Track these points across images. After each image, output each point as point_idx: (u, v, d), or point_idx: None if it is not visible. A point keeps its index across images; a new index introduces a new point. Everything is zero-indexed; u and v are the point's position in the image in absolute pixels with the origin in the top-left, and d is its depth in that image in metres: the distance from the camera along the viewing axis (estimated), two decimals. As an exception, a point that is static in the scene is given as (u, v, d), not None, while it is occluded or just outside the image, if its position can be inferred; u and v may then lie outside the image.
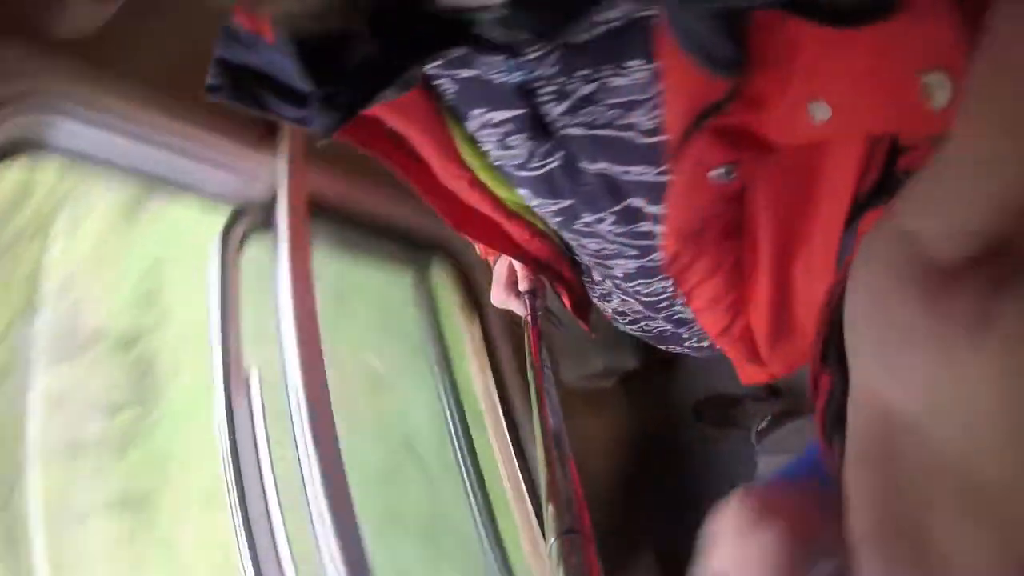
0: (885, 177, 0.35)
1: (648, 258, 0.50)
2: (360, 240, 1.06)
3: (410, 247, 1.17)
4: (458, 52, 0.33)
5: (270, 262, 0.70)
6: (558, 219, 0.50)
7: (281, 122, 0.73)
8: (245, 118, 0.73)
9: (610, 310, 0.73)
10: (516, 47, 0.34)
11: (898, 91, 0.25)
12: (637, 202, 0.43)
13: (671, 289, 0.54)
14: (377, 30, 0.31)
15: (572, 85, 0.36)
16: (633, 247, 0.49)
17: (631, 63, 0.33)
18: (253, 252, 0.76)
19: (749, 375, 0.67)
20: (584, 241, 0.52)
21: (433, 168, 0.47)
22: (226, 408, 0.64)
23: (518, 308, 0.68)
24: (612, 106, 0.36)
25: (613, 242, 0.50)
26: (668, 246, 0.44)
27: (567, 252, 0.61)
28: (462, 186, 0.49)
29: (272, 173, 0.71)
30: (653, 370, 1.62)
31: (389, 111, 0.42)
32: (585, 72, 0.35)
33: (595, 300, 0.76)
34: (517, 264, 0.68)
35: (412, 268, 1.20)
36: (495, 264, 0.74)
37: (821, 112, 0.29)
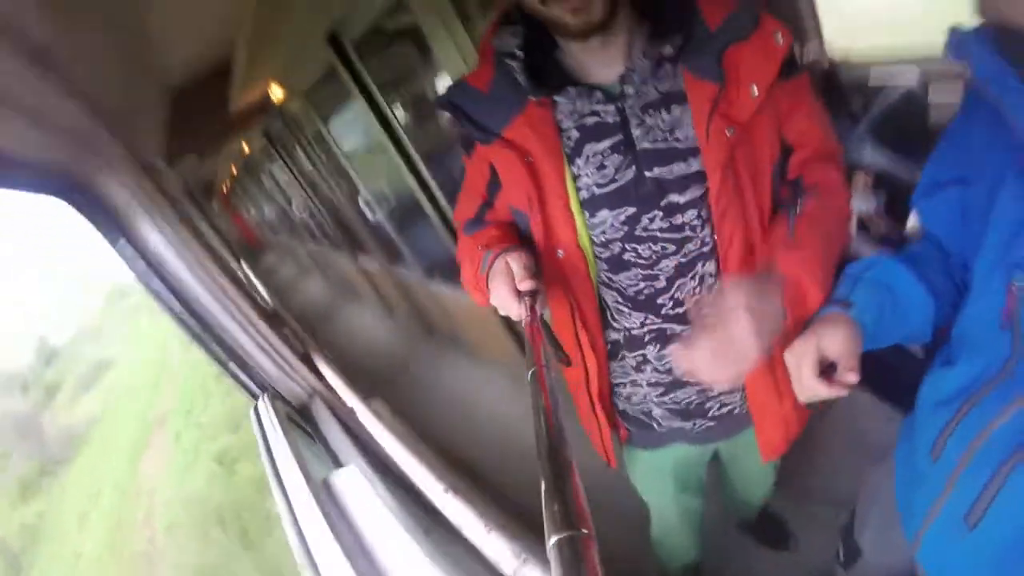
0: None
1: (682, 252, 0.76)
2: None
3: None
4: (599, 95, 0.71)
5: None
6: (624, 229, 0.75)
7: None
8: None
9: (644, 384, 0.88)
10: (623, 98, 0.70)
11: (771, 49, 0.66)
12: (674, 197, 0.72)
13: (706, 279, 0.77)
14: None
15: (646, 118, 0.70)
16: (672, 242, 0.75)
17: (673, 106, 0.70)
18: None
19: (770, 434, 0.89)
20: (640, 249, 0.76)
21: (544, 188, 0.74)
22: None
23: (517, 311, 0.68)
24: (663, 129, 0.70)
25: (659, 240, 0.75)
26: (713, 179, 0.69)
27: (601, 310, 0.84)
28: (559, 205, 0.75)
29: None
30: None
31: (537, 140, 0.72)
32: (652, 111, 0.70)
33: (626, 386, 0.92)
34: (515, 265, 0.70)
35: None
36: (492, 262, 0.74)
37: (754, 90, 0.66)
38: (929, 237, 0.69)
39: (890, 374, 0.94)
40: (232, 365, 0.75)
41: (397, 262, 3.76)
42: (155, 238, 0.67)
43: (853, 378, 0.59)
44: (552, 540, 0.29)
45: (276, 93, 2.85)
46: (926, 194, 0.67)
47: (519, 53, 0.70)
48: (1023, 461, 0.50)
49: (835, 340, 0.60)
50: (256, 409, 0.74)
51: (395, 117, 2.30)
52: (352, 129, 3.19)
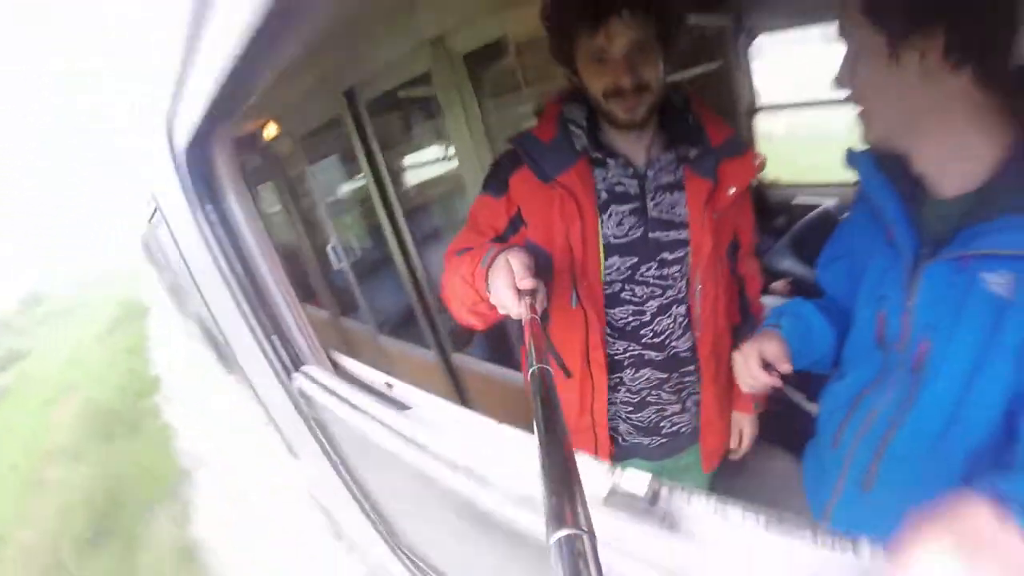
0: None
1: (665, 296, 0.98)
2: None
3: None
4: (631, 171, 0.94)
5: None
6: (627, 273, 0.96)
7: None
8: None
9: (617, 402, 1.08)
10: (645, 178, 0.93)
11: (749, 166, 0.96)
12: (666, 255, 0.96)
13: (677, 319, 1.01)
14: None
15: (657, 195, 0.93)
16: (661, 287, 0.98)
17: (676, 190, 0.94)
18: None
19: (711, 444, 1.15)
20: (636, 289, 0.98)
21: (587, 228, 0.92)
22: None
23: (516, 310, 0.69)
24: (667, 204, 0.94)
25: (651, 285, 0.97)
26: (703, 247, 0.94)
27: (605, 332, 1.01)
28: (592, 246, 0.93)
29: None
30: None
31: (583, 190, 0.90)
32: (662, 191, 0.93)
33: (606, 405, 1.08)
34: (516, 263, 0.72)
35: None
36: (492, 260, 0.76)
37: (732, 191, 0.93)
38: (828, 297, 0.94)
39: (794, 429, 1.15)
40: (274, 338, 0.80)
41: (347, 313, 3.75)
42: (237, 211, 0.74)
43: (787, 368, 0.80)
44: (553, 538, 0.29)
45: (270, 131, 2.96)
46: (824, 266, 0.93)
47: (584, 123, 0.92)
48: (899, 427, 0.70)
49: (771, 346, 0.82)
50: (293, 383, 0.79)
51: (387, 175, 2.46)
52: (330, 178, 3.31)
